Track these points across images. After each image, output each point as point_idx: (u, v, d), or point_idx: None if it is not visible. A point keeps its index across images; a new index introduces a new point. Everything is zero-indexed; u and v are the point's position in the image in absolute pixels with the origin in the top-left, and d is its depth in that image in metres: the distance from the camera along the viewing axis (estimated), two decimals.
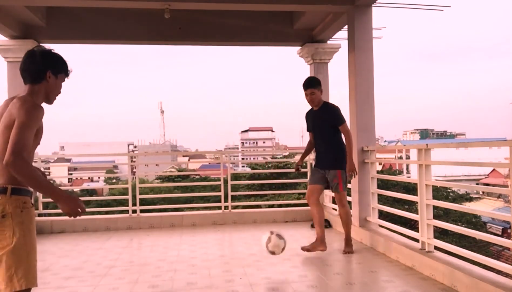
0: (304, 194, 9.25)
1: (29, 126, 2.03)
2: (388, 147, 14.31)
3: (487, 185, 32.83)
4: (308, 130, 5.13)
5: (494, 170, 38.68)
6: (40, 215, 6.83)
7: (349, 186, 5.87)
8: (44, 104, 2.25)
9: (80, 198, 2.17)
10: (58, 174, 35.12)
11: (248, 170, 21.00)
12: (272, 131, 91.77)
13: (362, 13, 5.48)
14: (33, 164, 2.20)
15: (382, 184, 11.72)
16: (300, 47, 7.40)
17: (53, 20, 6.60)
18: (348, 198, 5.97)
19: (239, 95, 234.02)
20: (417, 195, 4.18)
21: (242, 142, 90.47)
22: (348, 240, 4.84)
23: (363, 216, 5.41)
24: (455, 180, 34.86)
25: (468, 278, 3.26)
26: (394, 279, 3.80)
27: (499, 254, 17.10)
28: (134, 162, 7.66)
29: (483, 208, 22.45)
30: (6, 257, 2.08)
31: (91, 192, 20.80)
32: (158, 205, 9.56)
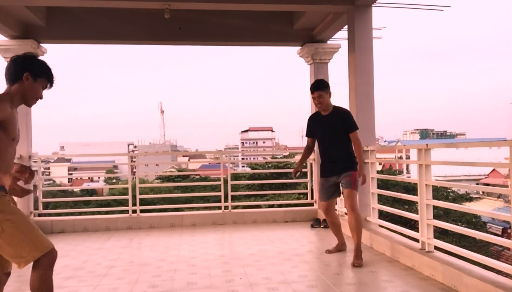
0: (304, 194, 9.27)
1: None
2: (388, 147, 14.30)
3: (487, 185, 32.84)
4: (308, 135, 4.84)
5: (494, 170, 38.68)
6: (40, 215, 6.83)
7: None
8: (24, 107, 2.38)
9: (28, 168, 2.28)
10: (58, 174, 35.07)
11: (248, 170, 20.99)
12: (272, 131, 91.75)
13: (362, 13, 5.48)
14: (32, 163, 2.32)
15: (382, 184, 11.73)
16: (300, 47, 7.40)
17: (53, 20, 6.60)
18: None
19: (239, 95, 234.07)
20: (417, 195, 4.18)
21: (242, 143, 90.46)
22: (358, 251, 4.36)
23: (363, 216, 5.39)
24: (455, 180, 34.87)
25: (468, 278, 3.26)
26: (394, 279, 3.79)
27: (499, 254, 17.10)
28: (134, 162, 7.66)
29: (483, 208, 22.46)
30: (5, 244, 2.21)
31: (91, 192, 20.80)
32: (158, 205, 9.56)
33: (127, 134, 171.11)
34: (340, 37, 7.04)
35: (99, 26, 6.78)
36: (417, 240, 4.24)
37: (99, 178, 44.74)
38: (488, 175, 41.27)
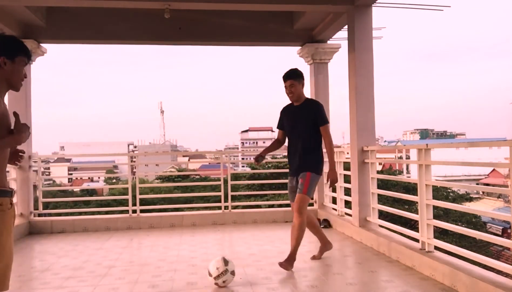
0: None
1: None
2: (388, 147, 14.31)
3: (487, 185, 32.83)
4: (278, 127, 4.54)
5: (494, 170, 38.67)
6: (40, 215, 6.83)
7: (349, 186, 5.88)
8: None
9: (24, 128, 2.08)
10: (58, 174, 35.09)
11: (248, 170, 21.01)
12: (272, 131, 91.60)
13: (362, 13, 5.47)
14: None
15: (382, 184, 11.72)
16: (300, 47, 7.40)
17: (53, 20, 6.60)
18: (348, 198, 5.99)
19: (239, 95, 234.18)
20: (417, 195, 4.18)
21: (242, 142, 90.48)
22: (291, 256, 4.11)
23: (363, 216, 5.41)
24: (455, 180, 34.87)
25: (468, 278, 3.26)
26: (394, 279, 3.79)
27: (499, 254, 17.10)
28: (134, 162, 7.66)
29: (483, 208, 22.45)
30: None
31: (91, 192, 20.82)
32: (158, 205, 9.56)
33: (127, 134, 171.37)
34: (340, 37, 7.04)
35: (99, 26, 6.78)
36: (417, 240, 4.24)
37: (99, 178, 44.78)
38: (488, 175, 41.27)
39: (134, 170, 8.37)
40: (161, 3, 5.44)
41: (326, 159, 4.39)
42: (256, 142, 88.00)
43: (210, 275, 3.63)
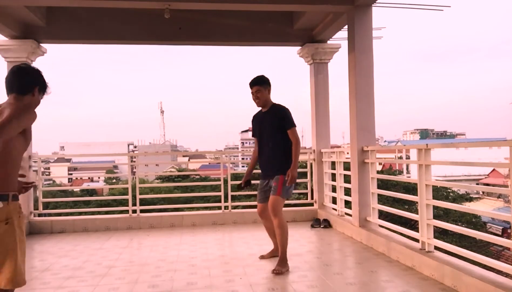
0: (304, 194, 9.25)
1: (19, 117, 2.15)
2: (388, 147, 14.31)
3: (487, 185, 32.83)
4: (253, 135, 4.63)
5: (494, 170, 38.67)
6: (40, 215, 6.83)
7: (349, 186, 5.88)
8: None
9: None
10: (58, 174, 35.08)
11: None
12: None
13: (362, 13, 5.47)
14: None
15: (382, 184, 11.72)
16: (300, 47, 7.40)
17: (53, 20, 6.60)
18: (348, 198, 5.99)
19: (239, 95, 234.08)
20: (417, 195, 4.18)
21: (242, 142, 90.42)
22: (282, 257, 4.15)
23: (363, 216, 5.41)
24: (455, 180, 34.85)
25: (468, 278, 3.26)
26: (394, 279, 3.80)
27: (499, 254, 17.08)
28: (134, 162, 7.65)
29: (483, 208, 22.45)
30: (9, 259, 2.17)
31: (91, 192, 20.79)
32: (158, 205, 9.56)
33: (127, 134, 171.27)
34: (340, 37, 7.04)
35: (99, 26, 6.78)
36: (417, 240, 4.24)
37: (99, 178, 44.73)
38: (488, 175, 41.25)
39: (134, 170, 8.35)
40: (161, 3, 5.44)
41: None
42: None
43: None
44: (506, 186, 16.34)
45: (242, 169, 29.90)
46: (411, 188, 13.79)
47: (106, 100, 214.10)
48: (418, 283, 3.66)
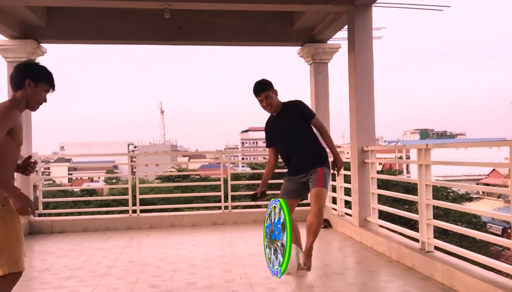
0: None
1: None
2: (388, 147, 14.32)
3: (487, 185, 32.83)
4: (268, 146, 4.21)
5: (494, 170, 38.68)
6: (40, 215, 6.83)
7: (349, 186, 5.88)
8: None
9: (30, 199, 2.29)
10: (58, 174, 35.08)
11: (248, 170, 21.02)
12: None
13: (362, 13, 5.47)
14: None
15: (382, 184, 11.73)
16: (300, 47, 7.40)
17: (53, 20, 6.60)
18: (348, 198, 5.99)
19: (239, 95, 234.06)
20: (417, 195, 4.18)
21: (242, 142, 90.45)
22: (309, 251, 3.86)
23: (363, 216, 5.41)
24: (455, 180, 34.87)
25: (468, 278, 3.26)
26: (394, 279, 3.79)
27: (499, 254, 17.09)
28: (134, 162, 7.66)
29: (483, 208, 22.47)
30: None
31: (91, 192, 20.79)
32: (158, 205, 9.57)
33: (127, 134, 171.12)
34: (340, 37, 7.04)
35: (99, 26, 6.78)
36: (417, 240, 4.24)
37: (99, 178, 44.74)
38: (488, 175, 41.26)
39: (134, 170, 8.36)
40: (161, 3, 5.44)
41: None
42: (256, 143, 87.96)
43: None
44: (506, 186, 16.35)
45: (242, 169, 29.90)
46: (411, 188, 13.80)
47: (106, 100, 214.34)
48: (418, 283, 3.66)
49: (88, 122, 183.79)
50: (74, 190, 21.97)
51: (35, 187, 6.96)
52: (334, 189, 6.67)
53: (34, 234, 6.40)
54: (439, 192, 16.19)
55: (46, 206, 7.88)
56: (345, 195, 6.26)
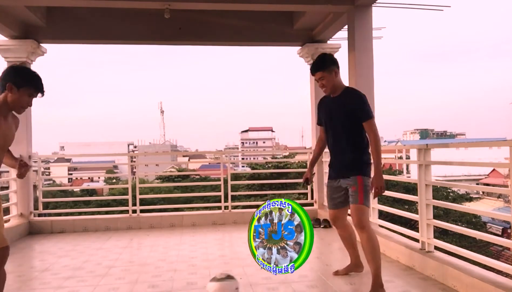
0: (304, 194, 9.25)
1: None
2: (388, 147, 14.31)
3: (487, 185, 32.83)
4: (318, 123, 3.85)
5: (494, 170, 38.66)
6: (40, 215, 6.83)
7: None
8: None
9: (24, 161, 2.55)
10: (58, 174, 35.09)
11: (248, 170, 21.02)
12: (272, 131, 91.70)
13: (362, 13, 5.48)
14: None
15: None
16: (300, 47, 7.40)
17: (53, 20, 6.60)
18: None
19: (239, 95, 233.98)
20: (417, 195, 4.18)
21: (242, 142, 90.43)
22: (376, 282, 3.40)
23: None
24: (455, 180, 34.85)
25: (468, 278, 3.26)
26: (394, 279, 3.79)
27: (499, 254, 17.09)
28: (134, 162, 7.66)
29: (483, 208, 22.46)
30: None
31: (91, 192, 20.79)
32: (158, 205, 9.56)
33: (127, 134, 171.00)
34: (340, 37, 7.04)
35: (99, 26, 6.78)
36: (417, 240, 4.23)
37: (99, 178, 44.72)
38: (488, 175, 41.24)
39: (134, 170, 8.36)
40: (161, 3, 5.44)
41: None
42: (256, 143, 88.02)
43: None
44: (506, 186, 16.35)
45: (242, 169, 29.90)
46: (411, 188, 13.80)
47: (106, 100, 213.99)
48: (418, 283, 3.66)
49: (88, 122, 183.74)
50: (74, 190, 21.97)
51: (35, 187, 6.96)
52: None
53: (34, 234, 6.40)
54: (439, 192, 16.19)
55: (46, 206, 7.88)
56: None
